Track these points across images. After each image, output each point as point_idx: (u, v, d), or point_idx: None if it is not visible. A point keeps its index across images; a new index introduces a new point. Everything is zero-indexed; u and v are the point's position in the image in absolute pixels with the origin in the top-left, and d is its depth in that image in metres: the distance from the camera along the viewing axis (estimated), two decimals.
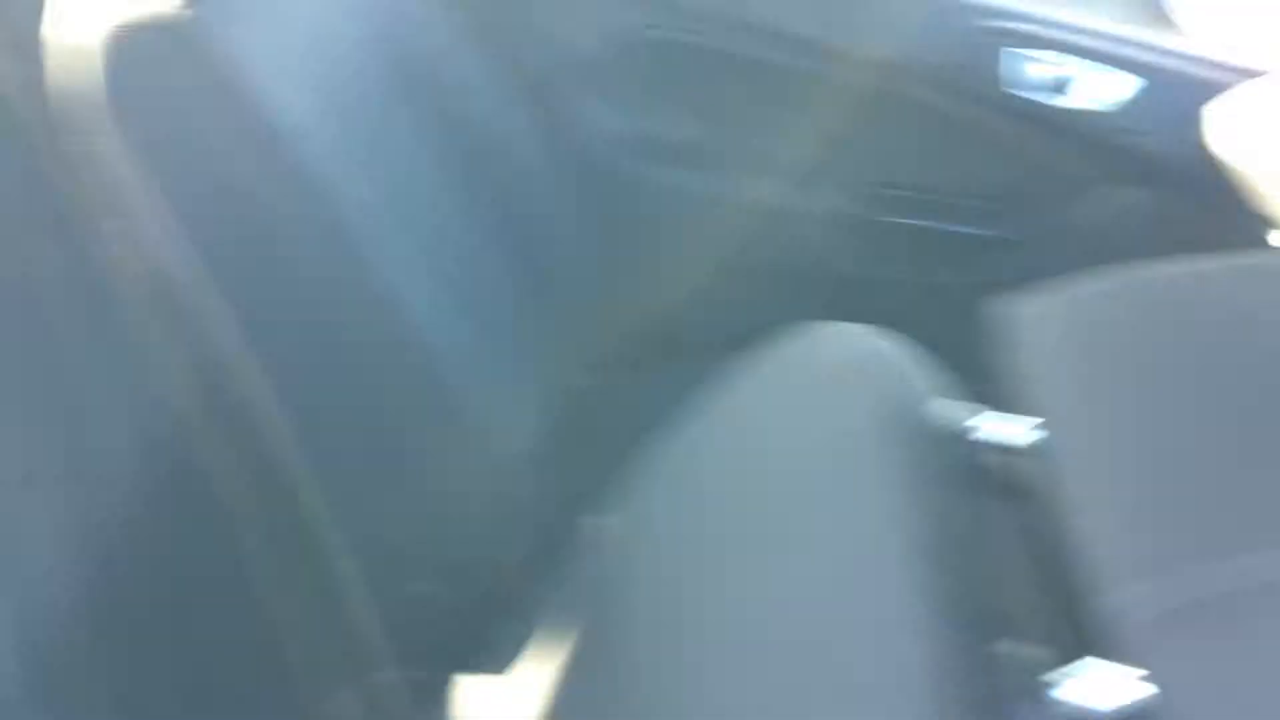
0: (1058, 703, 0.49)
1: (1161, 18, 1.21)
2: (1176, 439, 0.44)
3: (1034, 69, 1.16)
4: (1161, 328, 0.49)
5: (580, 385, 1.17)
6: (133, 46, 0.68)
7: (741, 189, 1.21)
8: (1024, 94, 1.15)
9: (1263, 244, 1.09)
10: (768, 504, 0.62)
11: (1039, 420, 0.49)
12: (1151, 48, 1.16)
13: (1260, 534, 0.41)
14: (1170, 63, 1.16)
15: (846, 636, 0.52)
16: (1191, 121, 1.13)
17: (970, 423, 0.59)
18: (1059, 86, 1.16)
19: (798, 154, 1.21)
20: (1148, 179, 1.16)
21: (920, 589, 0.51)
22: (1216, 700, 0.42)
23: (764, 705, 0.54)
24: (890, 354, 0.65)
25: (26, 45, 0.72)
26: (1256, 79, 1.11)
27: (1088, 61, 1.15)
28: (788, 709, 0.52)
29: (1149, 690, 0.47)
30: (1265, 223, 1.10)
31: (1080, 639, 0.48)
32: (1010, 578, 0.53)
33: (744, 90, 1.18)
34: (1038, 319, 0.51)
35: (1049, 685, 0.49)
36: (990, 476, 0.57)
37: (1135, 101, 1.15)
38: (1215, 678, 0.42)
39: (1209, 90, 1.14)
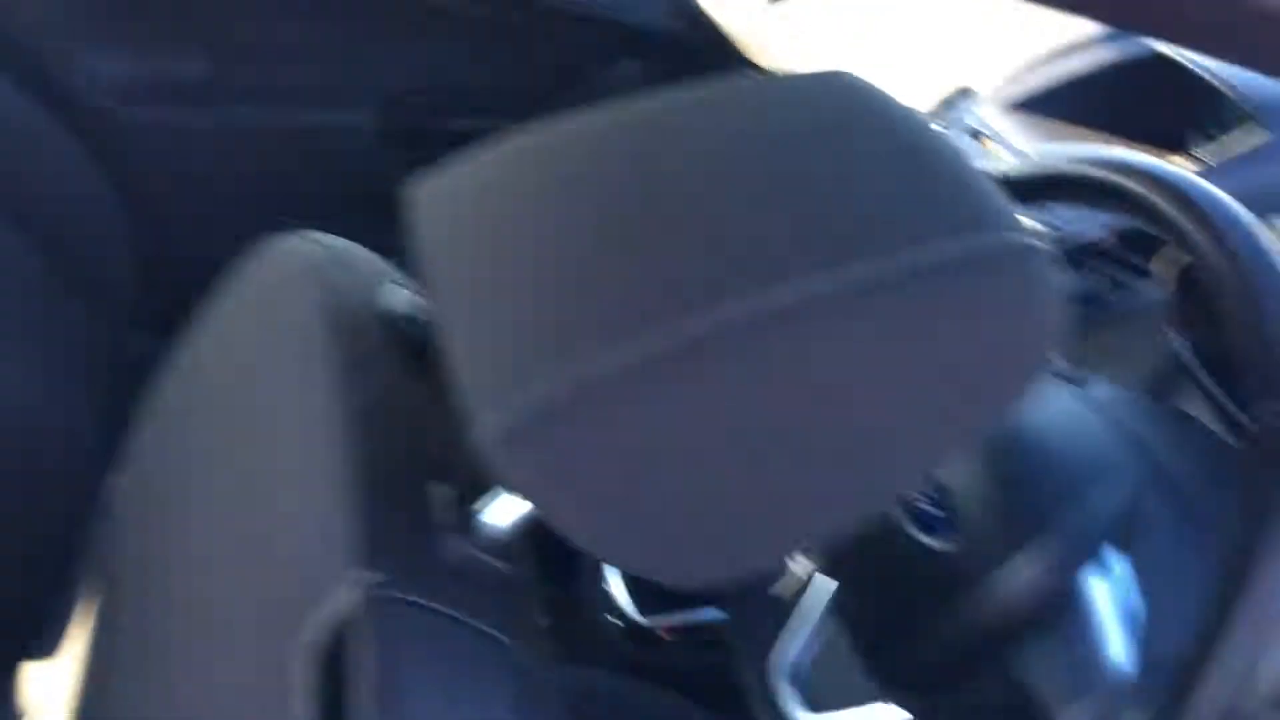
0: (479, 529, 0.54)
1: None
2: (525, 269, 0.46)
3: None
4: (540, 170, 0.50)
5: (135, 349, 1.12)
6: None
7: (265, 118, 1.17)
8: None
9: None
10: (228, 418, 0.62)
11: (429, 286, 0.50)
12: None
13: (593, 337, 0.43)
14: None
15: (285, 518, 0.54)
16: None
17: (411, 304, 0.62)
18: None
19: (318, 75, 1.19)
20: (641, 50, 1.23)
21: (347, 454, 0.53)
22: (579, 498, 0.46)
23: (222, 610, 0.55)
24: (341, 253, 0.66)
25: None
26: None
27: None
28: (242, 606, 0.54)
29: (527, 504, 0.53)
30: (754, 71, 1.21)
31: (488, 472, 0.51)
32: (439, 431, 0.56)
33: (252, 15, 1.14)
34: (431, 190, 0.53)
35: (472, 515, 0.54)
36: (427, 349, 0.59)
37: None
38: (574, 479, 0.45)
39: None
